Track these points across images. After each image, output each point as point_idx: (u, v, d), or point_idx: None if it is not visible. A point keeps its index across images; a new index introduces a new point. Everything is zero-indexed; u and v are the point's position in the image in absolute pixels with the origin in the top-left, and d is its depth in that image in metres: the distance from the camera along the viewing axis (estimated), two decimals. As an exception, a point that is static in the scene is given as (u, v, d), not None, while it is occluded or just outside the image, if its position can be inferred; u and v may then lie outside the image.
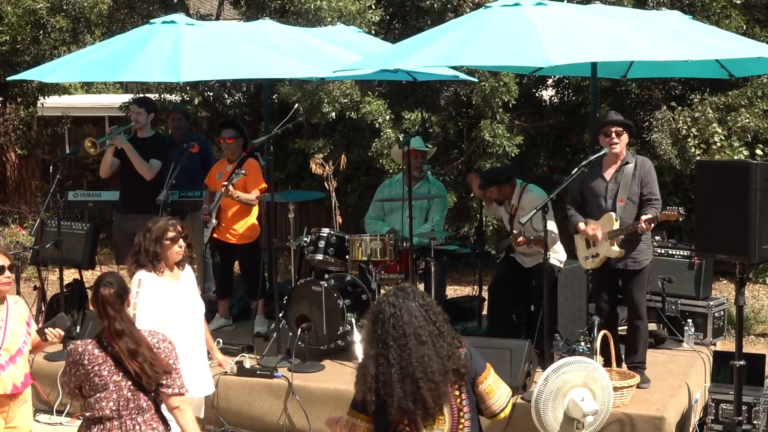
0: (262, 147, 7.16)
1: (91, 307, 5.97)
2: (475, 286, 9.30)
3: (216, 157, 8.89)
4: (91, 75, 7.77)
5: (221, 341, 6.87)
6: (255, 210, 7.76)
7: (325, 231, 7.32)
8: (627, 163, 6.15)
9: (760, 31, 10.48)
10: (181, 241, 5.26)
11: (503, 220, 7.30)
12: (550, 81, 11.76)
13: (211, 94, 12.77)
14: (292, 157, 12.84)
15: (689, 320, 7.29)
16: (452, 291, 10.27)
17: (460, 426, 3.77)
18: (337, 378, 6.53)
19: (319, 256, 7.20)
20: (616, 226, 6.06)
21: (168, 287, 5.26)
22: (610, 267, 6.20)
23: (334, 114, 10.38)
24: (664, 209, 6.06)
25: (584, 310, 7.03)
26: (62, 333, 4.72)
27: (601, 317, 6.35)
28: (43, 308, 7.96)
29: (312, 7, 10.24)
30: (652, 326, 7.18)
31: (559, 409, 5.20)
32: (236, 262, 8.07)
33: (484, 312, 7.96)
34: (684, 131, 10.19)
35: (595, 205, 6.23)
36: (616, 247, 6.08)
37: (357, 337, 6.80)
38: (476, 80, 9.70)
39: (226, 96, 13.07)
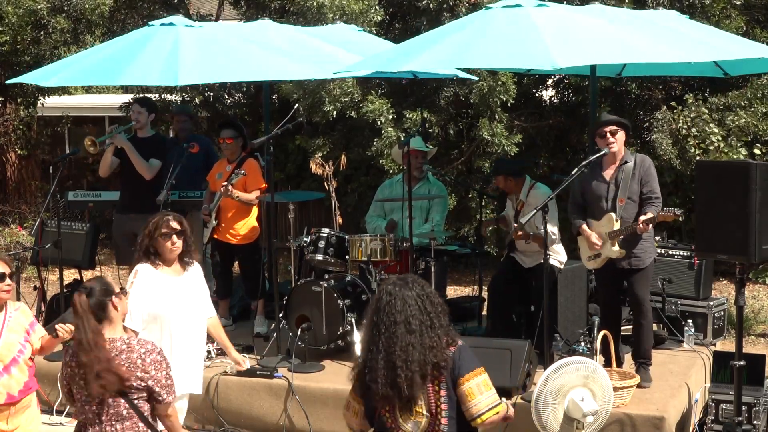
0: (262, 147, 7.16)
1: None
2: (475, 287, 9.31)
3: (218, 157, 8.89)
4: (90, 79, 7.73)
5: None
6: (255, 210, 7.76)
7: (325, 231, 7.32)
8: (626, 162, 6.15)
9: (760, 31, 10.48)
10: (174, 237, 5.17)
11: (509, 215, 7.32)
12: (550, 81, 11.76)
13: (211, 94, 12.78)
14: (292, 157, 12.84)
15: (689, 320, 7.30)
16: (452, 291, 10.27)
17: (438, 423, 3.77)
18: (337, 378, 6.53)
19: (319, 257, 7.20)
20: (617, 226, 6.07)
21: (164, 281, 5.21)
22: (614, 266, 6.20)
23: (334, 113, 10.38)
24: (662, 209, 6.07)
25: (584, 310, 7.03)
26: (72, 329, 4.71)
27: (602, 317, 6.36)
28: (43, 308, 7.96)
29: (314, 5, 10.23)
30: (653, 326, 7.18)
31: (559, 409, 5.19)
32: (236, 263, 8.07)
33: (484, 312, 7.97)
34: (684, 131, 10.19)
35: (596, 207, 6.23)
36: (616, 248, 6.08)
37: (357, 337, 6.79)
38: (476, 78, 9.70)
39: (226, 96, 13.07)
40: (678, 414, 5.98)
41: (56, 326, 4.68)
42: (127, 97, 13.73)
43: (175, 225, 5.18)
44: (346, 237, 7.29)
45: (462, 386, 3.77)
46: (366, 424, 3.97)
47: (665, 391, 6.13)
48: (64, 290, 7.61)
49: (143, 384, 4.04)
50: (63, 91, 14.83)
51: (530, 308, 7.05)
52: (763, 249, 5.22)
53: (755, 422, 5.79)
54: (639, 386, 6.04)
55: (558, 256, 7.04)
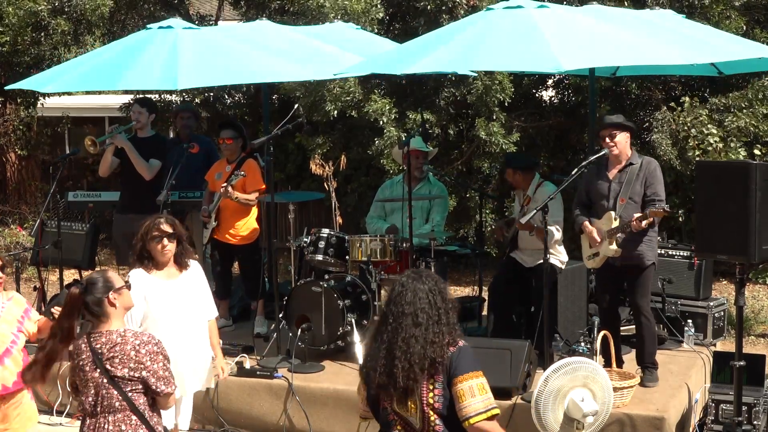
0: (262, 147, 7.16)
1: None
2: (475, 287, 9.31)
3: (220, 159, 8.88)
4: (89, 84, 7.71)
5: (221, 341, 6.85)
6: (254, 211, 7.76)
7: (325, 231, 7.31)
8: (631, 163, 6.17)
9: (759, 32, 10.48)
10: (165, 240, 5.15)
11: (515, 211, 7.33)
12: (549, 81, 11.77)
13: (211, 94, 12.79)
14: (292, 157, 12.83)
15: (689, 321, 7.30)
16: (452, 291, 10.24)
17: (431, 422, 3.77)
18: (337, 378, 6.54)
19: (319, 257, 7.20)
20: (615, 224, 6.08)
21: (157, 285, 5.20)
22: (613, 266, 6.21)
23: (335, 112, 10.38)
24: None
25: (584, 310, 7.03)
26: None
27: (602, 317, 6.36)
28: (43, 308, 7.96)
29: (315, 4, 10.22)
30: (655, 332, 7.18)
31: (559, 409, 5.20)
32: (236, 263, 8.07)
33: (484, 312, 7.97)
34: (683, 132, 10.18)
35: (598, 206, 6.28)
36: (613, 246, 6.09)
37: (357, 337, 6.80)
38: (474, 74, 9.69)
39: (226, 96, 13.08)
40: (678, 414, 5.99)
41: (52, 309, 4.72)
42: (127, 98, 13.73)
43: (166, 228, 5.16)
44: (346, 237, 7.29)
45: (456, 386, 3.75)
46: (369, 411, 4.02)
47: (665, 391, 6.13)
48: (64, 290, 7.62)
49: (136, 375, 4.05)
50: (63, 91, 14.81)
51: (530, 308, 7.05)
52: (763, 249, 5.22)
53: (755, 422, 5.79)
54: (643, 385, 6.07)
55: (559, 256, 7.04)
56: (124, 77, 7.02)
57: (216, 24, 14.03)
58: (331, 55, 7.66)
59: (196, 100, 12.53)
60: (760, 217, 5.17)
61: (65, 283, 7.68)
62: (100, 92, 17.83)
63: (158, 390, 4.10)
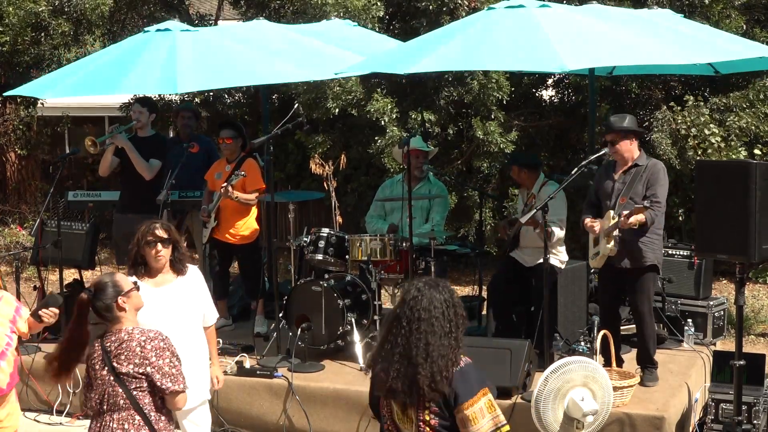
0: (262, 147, 7.15)
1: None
2: (475, 286, 9.30)
3: (219, 157, 8.88)
4: (87, 90, 7.65)
5: (221, 341, 6.85)
6: (254, 210, 7.76)
7: (325, 231, 7.31)
8: (637, 165, 6.19)
9: (759, 31, 10.48)
10: (159, 246, 4.99)
11: (519, 209, 7.33)
12: (549, 81, 11.76)
13: (212, 93, 12.79)
14: (292, 156, 12.84)
15: (689, 320, 7.30)
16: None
17: None
18: (337, 378, 6.54)
19: (319, 256, 7.20)
20: (612, 223, 6.09)
21: (144, 293, 5.03)
22: (613, 266, 6.22)
23: (336, 110, 10.38)
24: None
25: (584, 310, 7.03)
26: (56, 311, 4.76)
27: (602, 317, 6.36)
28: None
29: (317, 2, 10.21)
30: (655, 334, 7.18)
31: (559, 409, 5.20)
32: (235, 262, 8.06)
33: (484, 312, 7.96)
34: (683, 131, 10.18)
35: (604, 205, 6.32)
36: (611, 245, 6.11)
37: (357, 337, 6.80)
38: (474, 70, 9.66)
39: (226, 96, 13.08)
40: (678, 414, 5.99)
41: (40, 312, 4.70)
42: (127, 97, 13.71)
43: (161, 233, 5.00)
44: (346, 237, 7.29)
45: (464, 412, 3.63)
46: (370, 410, 3.99)
47: (665, 390, 6.13)
48: (64, 290, 7.61)
49: (140, 371, 4.04)
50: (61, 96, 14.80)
51: (530, 308, 7.05)
52: (763, 249, 5.22)
53: (755, 422, 5.79)
54: (643, 384, 6.08)
55: (559, 255, 7.04)
56: (123, 82, 6.95)
57: (216, 23, 14.03)
58: (331, 55, 7.65)
59: (196, 100, 12.53)
60: (760, 216, 5.17)
61: (65, 282, 7.68)
62: (99, 92, 17.84)
63: (164, 387, 4.07)
